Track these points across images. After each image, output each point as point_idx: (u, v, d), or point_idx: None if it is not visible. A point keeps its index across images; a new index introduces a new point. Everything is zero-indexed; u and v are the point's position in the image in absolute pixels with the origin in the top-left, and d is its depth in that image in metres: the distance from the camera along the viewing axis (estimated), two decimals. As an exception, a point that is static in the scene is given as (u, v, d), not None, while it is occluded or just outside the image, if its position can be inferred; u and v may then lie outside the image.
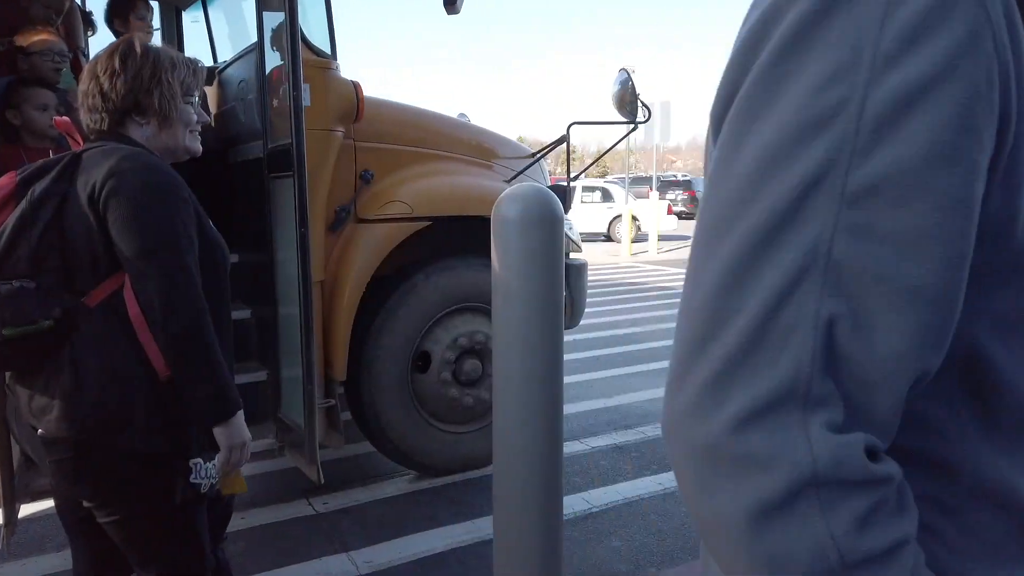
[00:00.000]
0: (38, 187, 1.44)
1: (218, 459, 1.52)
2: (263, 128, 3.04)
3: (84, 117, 1.55)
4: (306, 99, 2.86)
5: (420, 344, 3.43)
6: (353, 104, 3.16)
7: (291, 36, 2.66)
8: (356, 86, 3.18)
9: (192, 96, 1.60)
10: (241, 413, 1.51)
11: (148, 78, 1.52)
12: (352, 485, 3.49)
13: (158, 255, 1.42)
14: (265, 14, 2.98)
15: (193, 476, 1.51)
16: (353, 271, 3.20)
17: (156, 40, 3.78)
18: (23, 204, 1.42)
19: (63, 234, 1.42)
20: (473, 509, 3.23)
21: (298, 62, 2.67)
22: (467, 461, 3.60)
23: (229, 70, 3.63)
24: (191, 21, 4.45)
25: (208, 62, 4.35)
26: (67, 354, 1.43)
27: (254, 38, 3.13)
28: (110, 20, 3.55)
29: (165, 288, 1.41)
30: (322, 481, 2.87)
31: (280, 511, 3.22)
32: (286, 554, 2.87)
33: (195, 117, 1.61)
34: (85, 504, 1.53)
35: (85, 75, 1.53)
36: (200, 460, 1.52)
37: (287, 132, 2.76)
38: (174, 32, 4.33)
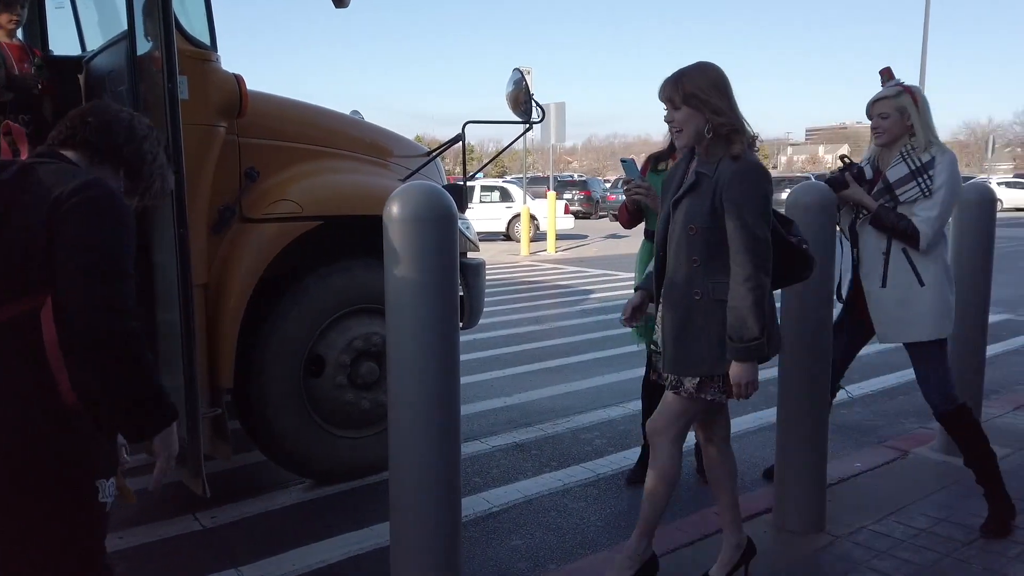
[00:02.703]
0: None
1: (156, 469, 1.51)
2: (136, 122, 2.84)
3: (59, 137, 1.54)
4: (183, 92, 2.70)
5: (313, 348, 3.32)
6: (236, 98, 3.01)
7: (164, 24, 2.51)
8: (239, 79, 3.04)
9: None
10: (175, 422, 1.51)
11: (155, 155, 1.63)
12: (242, 497, 3.33)
13: (110, 265, 1.39)
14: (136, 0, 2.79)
15: (101, 495, 1.47)
16: (239, 273, 3.06)
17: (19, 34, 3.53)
18: None
19: None
20: (372, 515, 3.14)
21: (172, 51, 2.52)
22: (366, 466, 3.51)
23: (98, 59, 3.39)
24: (55, 7, 4.14)
25: (75, 51, 4.08)
26: None
27: (124, 25, 2.93)
28: None
29: (107, 309, 1.37)
30: (208, 494, 2.72)
31: (163, 528, 3.04)
32: (171, 574, 2.70)
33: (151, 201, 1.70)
34: None
35: (93, 109, 1.57)
36: (104, 480, 1.48)
37: (162, 127, 2.59)
38: (36, 19, 4.01)
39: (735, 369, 2.11)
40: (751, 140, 2.19)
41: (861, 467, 3.43)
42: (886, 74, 2.86)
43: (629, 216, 3.28)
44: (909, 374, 5.37)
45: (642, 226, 3.30)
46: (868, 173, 2.91)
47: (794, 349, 2.75)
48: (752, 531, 2.86)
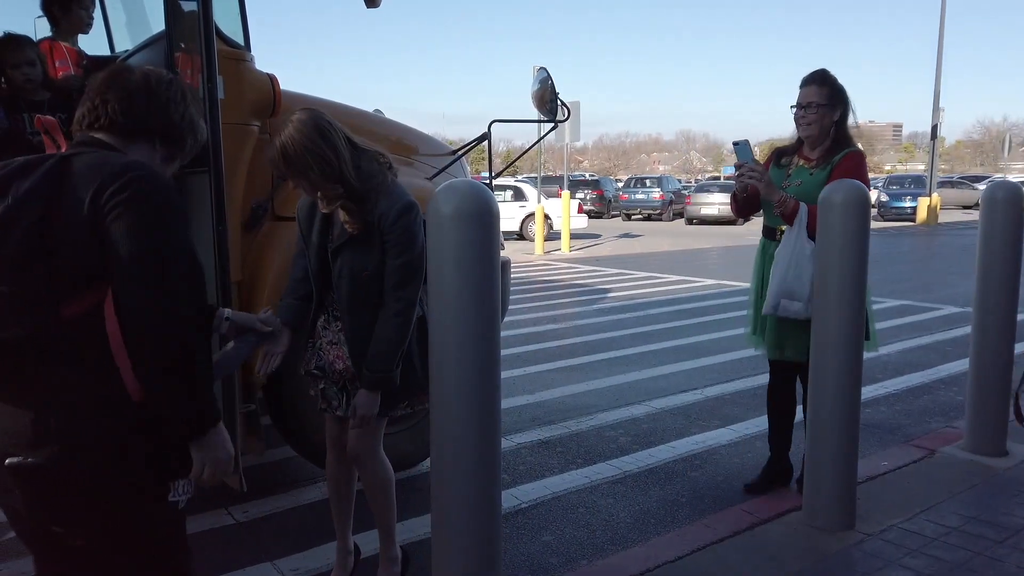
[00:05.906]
0: (20, 186, 1.33)
1: (192, 471, 1.46)
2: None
3: (85, 119, 1.49)
4: (220, 91, 2.74)
5: (343, 345, 3.35)
6: (269, 98, 3.05)
7: (204, 24, 2.54)
8: (272, 79, 3.07)
9: None
10: (221, 426, 1.46)
11: (183, 113, 1.54)
12: (273, 492, 3.37)
13: (168, 264, 1.37)
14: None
15: (172, 495, 1.48)
16: (272, 270, 3.09)
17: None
18: (4, 204, 1.31)
19: (47, 238, 1.32)
20: (403, 510, 3.16)
21: (212, 51, 2.55)
22: (394, 461, 3.52)
23: (132, 60, 3.43)
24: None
25: (104, 51, 4.13)
26: (38, 372, 1.34)
27: (153, 25, 2.98)
28: (48, 4, 3.38)
29: (167, 299, 1.35)
30: (245, 489, 2.76)
31: (196, 522, 3.07)
32: (206, 567, 2.74)
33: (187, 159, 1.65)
34: (55, 529, 1.44)
35: (109, 82, 1.49)
36: (179, 480, 1.49)
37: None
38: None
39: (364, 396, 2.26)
40: (387, 166, 2.26)
41: (888, 466, 3.43)
42: None
43: (739, 204, 3.16)
44: (933, 373, 5.38)
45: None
46: None
47: (825, 348, 2.76)
48: (783, 528, 2.88)
